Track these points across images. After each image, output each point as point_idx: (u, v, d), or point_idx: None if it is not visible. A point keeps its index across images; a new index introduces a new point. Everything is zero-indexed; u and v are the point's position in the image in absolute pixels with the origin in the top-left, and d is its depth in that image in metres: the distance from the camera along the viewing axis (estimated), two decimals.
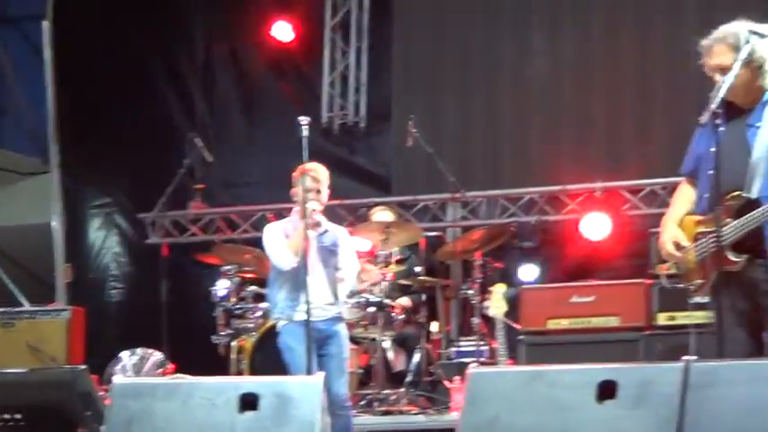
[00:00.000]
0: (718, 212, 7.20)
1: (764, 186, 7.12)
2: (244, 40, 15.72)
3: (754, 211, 7.07)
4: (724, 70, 7.26)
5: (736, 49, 7.32)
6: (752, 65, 7.25)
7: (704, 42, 7.55)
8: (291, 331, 9.68)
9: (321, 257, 9.92)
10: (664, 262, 8.29)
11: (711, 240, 7.26)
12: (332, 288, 9.97)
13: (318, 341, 9.63)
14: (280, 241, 9.98)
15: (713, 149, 7.24)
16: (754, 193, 7.10)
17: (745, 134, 7.33)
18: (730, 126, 7.31)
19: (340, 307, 10.04)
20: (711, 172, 7.27)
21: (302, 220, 9.57)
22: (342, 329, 10.05)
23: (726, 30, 7.51)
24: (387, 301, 11.69)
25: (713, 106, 7.15)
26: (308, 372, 9.24)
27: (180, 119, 15.61)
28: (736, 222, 7.12)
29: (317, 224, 9.86)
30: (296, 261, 9.69)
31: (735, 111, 7.29)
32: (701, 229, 7.47)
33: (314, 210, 9.64)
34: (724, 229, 7.15)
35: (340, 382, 9.64)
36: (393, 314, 11.73)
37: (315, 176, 9.86)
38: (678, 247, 7.50)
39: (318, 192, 9.76)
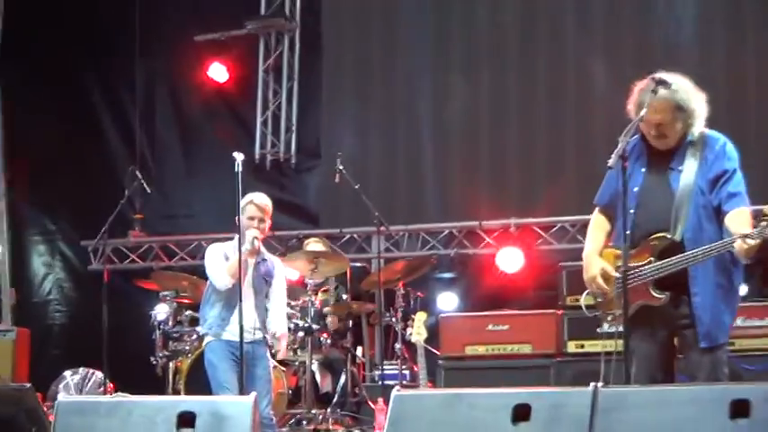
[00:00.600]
0: (640, 249, 7.42)
1: (687, 229, 7.35)
2: (182, 80, 16.00)
3: (678, 255, 7.28)
4: (660, 125, 7.43)
5: (674, 101, 7.46)
6: (679, 112, 7.44)
7: (641, 98, 7.60)
8: (216, 348, 9.97)
9: (255, 284, 10.19)
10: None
11: (635, 275, 7.37)
12: (260, 314, 10.17)
13: (251, 359, 9.96)
14: (219, 262, 10.14)
15: (636, 189, 7.48)
16: (677, 236, 7.33)
17: (668, 178, 7.53)
18: (653, 169, 7.57)
19: (265, 333, 10.16)
20: (632, 211, 7.45)
21: (243, 245, 9.83)
22: (266, 353, 10.30)
23: (681, 84, 7.64)
24: (315, 326, 11.79)
25: (635, 148, 7.52)
26: (241, 391, 9.47)
27: (122, 153, 15.86)
28: (659, 263, 7.34)
29: (257, 251, 10.17)
30: (231, 283, 9.91)
31: (656, 154, 7.51)
32: (621, 263, 7.62)
33: (255, 237, 9.94)
34: (648, 267, 7.37)
35: (266, 401, 9.86)
36: (321, 338, 11.98)
37: (260, 206, 10.17)
38: (607, 279, 7.63)
39: (262, 221, 10.08)
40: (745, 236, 6.86)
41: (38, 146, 15.70)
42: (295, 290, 12.34)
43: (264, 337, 10.24)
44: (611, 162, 7.31)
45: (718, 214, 7.25)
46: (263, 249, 10.50)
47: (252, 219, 10.05)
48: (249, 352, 9.91)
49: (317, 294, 12.26)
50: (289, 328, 11.54)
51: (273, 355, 11.02)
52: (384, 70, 15.59)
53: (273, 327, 10.44)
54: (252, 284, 10.18)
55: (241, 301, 9.70)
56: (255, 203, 10.24)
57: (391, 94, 15.48)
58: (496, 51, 15.08)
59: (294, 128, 15.97)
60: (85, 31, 16.28)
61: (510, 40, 15.03)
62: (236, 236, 10.05)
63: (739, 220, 7.07)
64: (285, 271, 10.96)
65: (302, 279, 12.36)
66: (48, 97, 16.11)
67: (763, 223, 6.92)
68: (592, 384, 5.96)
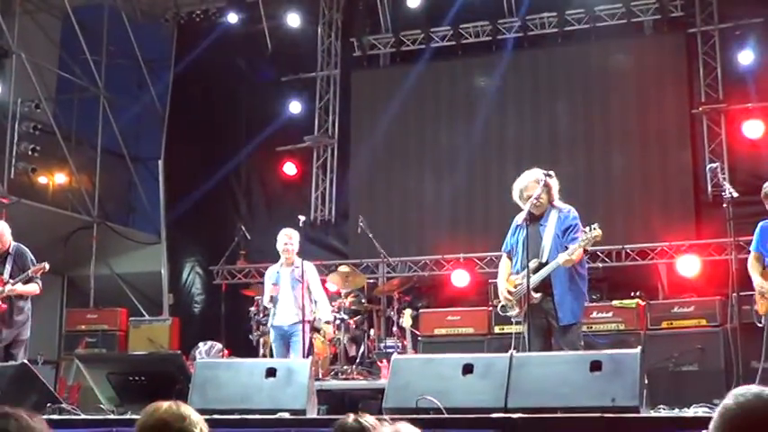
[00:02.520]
0: (527, 272, 7.98)
1: (549, 257, 8.00)
2: (269, 171, 16.60)
3: (543, 269, 7.98)
4: (532, 199, 8.13)
5: (537, 185, 8.19)
6: (543, 191, 8.16)
7: (519, 185, 8.42)
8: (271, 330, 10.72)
9: (291, 284, 10.66)
10: (497, 298, 8.91)
11: (521, 287, 8.08)
12: (296, 303, 10.54)
13: (285, 337, 10.65)
14: (266, 287, 10.99)
15: (522, 238, 8.16)
16: (544, 260, 8.01)
17: (539, 230, 8.17)
18: (532, 225, 8.13)
19: (301, 317, 10.50)
20: (520, 251, 8.16)
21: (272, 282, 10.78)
22: (299, 330, 10.49)
23: (529, 176, 8.39)
24: (346, 317, 12.40)
25: (524, 215, 8.12)
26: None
27: (232, 214, 16.50)
28: (535, 276, 7.94)
29: (291, 263, 10.74)
30: (269, 304, 10.76)
31: (533, 217, 8.11)
32: (516, 282, 8.24)
33: (284, 254, 10.68)
34: (531, 278, 7.92)
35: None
36: (349, 325, 12.52)
37: (287, 234, 10.93)
38: (509, 293, 8.30)
39: (290, 243, 10.78)
40: (565, 260, 7.84)
41: (185, 210, 16.32)
42: (333, 297, 12.64)
43: (300, 321, 10.48)
44: (519, 221, 8.31)
45: (565, 249, 7.91)
46: (296, 260, 10.86)
47: (284, 243, 10.81)
48: (286, 330, 10.67)
49: (347, 298, 12.79)
50: (332, 320, 12.00)
51: (321, 333, 11.56)
52: (387, 170, 16.16)
53: (320, 314, 11.03)
54: (289, 285, 10.71)
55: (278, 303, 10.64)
56: (284, 233, 10.98)
57: (392, 184, 16.05)
58: (465, 161, 15.48)
59: (334, 201, 16.48)
60: (222, 133, 16.90)
61: (472, 153, 15.47)
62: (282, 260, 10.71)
63: (569, 251, 7.82)
64: (313, 269, 11.21)
65: (339, 290, 12.83)
66: (196, 169, 16.68)
67: (582, 238, 7.89)
68: (509, 352, 6.58)
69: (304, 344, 10.58)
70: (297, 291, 10.48)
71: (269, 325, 10.90)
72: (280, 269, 10.81)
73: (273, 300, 10.73)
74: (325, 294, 11.02)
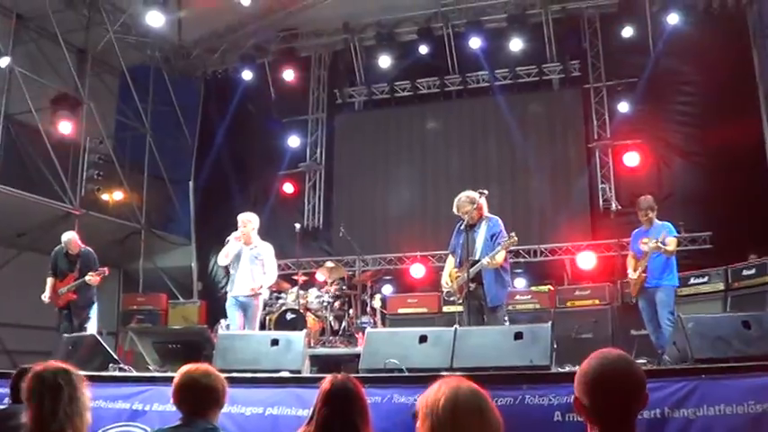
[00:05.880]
0: (463, 266, 7.93)
1: (480, 255, 7.85)
2: (273, 190, 16.24)
3: (476, 265, 7.84)
4: (468, 212, 8.05)
5: (471, 203, 8.10)
6: (475, 206, 8.06)
7: (456, 203, 8.27)
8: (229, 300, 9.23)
9: (249, 260, 9.38)
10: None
11: (461, 278, 7.95)
12: (251, 277, 9.28)
13: (242, 307, 9.27)
14: (227, 250, 9.41)
15: (461, 241, 8.08)
16: (477, 258, 7.88)
17: (474, 235, 8.06)
18: (470, 232, 8.04)
19: (256, 289, 9.16)
20: (460, 251, 8.09)
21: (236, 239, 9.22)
22: (253, 302, 9.25)
23: (466, 195, 8.27)
24: (331, 300, 12.13)
25: (463, 225, 8.05)
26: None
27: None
28: (471, 269, 7.80)
29: (247, 242, 9.30)
30: (222, 262, 9.44)
31: (469, 225, 7.98)
32: (457, 274, 8.12)
33: (236, 236, 9.27)
34: (466, 273, 7.83)
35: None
36: (334, 306, 12.19)
37: (240, 218, 9.47)
38: (452, 281, 8.17)
39: (244, 226, 9.35)
40: (488, 261, 7.61)
41: (210, 212, 16.02)
42: (321, 285, 12.52)
43: (255, 294, 9.23)
44: (459, 228, 8.19)
45: (493, 249, 7.75)
46: (255, 239, 9.47)
47: (239, 228, 9.38)
48: (244, 301, 9.29)
49: (332, 286, 12.43)
50: (321, 301, 11.81)
51: (312, 312, 11.17)
52: (361, 189, 15.94)
53: (264, 282, 9.45)
54: (248, 261, 9.37)
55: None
56: (239, 218, 9.50)
57: (365, 199, 15.87)
58: (420, 183, 15.51)
59: (321, 212, 16.35)
60: (238, 161, 16.57)
61: (425, 176, 15.48)
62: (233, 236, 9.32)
63: (490, 255, 7.72)
64: (270, 249, 9.59)
65: (326, 280, 12.56)
66: (217, 187, 16.42)
67: (503, 244, 7.78)
68: (454, 327, 6.43)
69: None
70: (254, 266, 9.35)
71: (228, 294, 9.50)
72: (242, 246, 9.39)
73: (230, 273, 9.54)
74: (275, 269, 9.58)
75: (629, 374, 2.63)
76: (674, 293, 8.75)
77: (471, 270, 7.96)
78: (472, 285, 7.96)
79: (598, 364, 2.66)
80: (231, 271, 9.36)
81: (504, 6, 14.86)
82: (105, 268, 10.39)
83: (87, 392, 3.57)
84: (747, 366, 4.77)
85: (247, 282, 9.27)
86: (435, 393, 2.58)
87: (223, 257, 9.32)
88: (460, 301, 8.29)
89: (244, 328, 9.19)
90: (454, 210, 8.33)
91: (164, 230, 16.62)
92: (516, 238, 7.93)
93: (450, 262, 8.55)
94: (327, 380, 3.94)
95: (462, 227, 8.24)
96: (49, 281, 10.37)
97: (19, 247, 13.74)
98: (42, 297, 10.24)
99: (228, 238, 9.39)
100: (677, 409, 4.64)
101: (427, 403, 2.58)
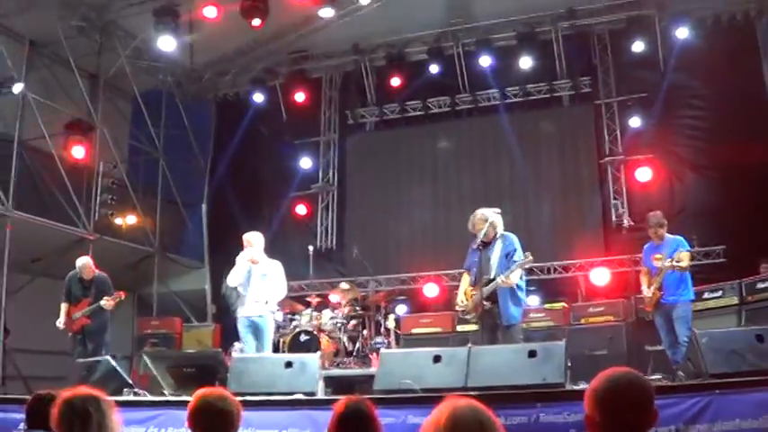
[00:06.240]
0: (478, 285, 7.93)
1: (496, 274, 7.84)
2: (285, 211, 16.27)
3: (491, 284, 7.86)
4: (482, 230, 8.07)
5: (486, 221, 8.13)
6: (490, 225, 8.07)
7: (471, 221, 8.31)
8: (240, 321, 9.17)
9: (261, 278, 9.33)
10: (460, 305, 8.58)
11: (476, 296, 7.95)
12: (262, 296, 9.22)
13: (253, 326, 9.23)
14: (237, 271, 9.41)
15: (476, 260, 8.09)
16: (492, 276, 7.89)
17: (489, 253, 8.07)
18: (484, 250, 8.09)
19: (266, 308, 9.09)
20: (475, 269, 8.10)
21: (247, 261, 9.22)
22: (265, 321, 9.19)
23: (480, 213, 8.31)
24: (345, 321, 12.13)
25: (478, 242, 8.07)
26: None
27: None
28: (485, 289, 7.86)
29: (254, 262, 9.28)
30: (232, 283, 9.39)
31: (484, 244, 8.01)
32: (472, 293, 8.10)
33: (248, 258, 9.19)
34: (482, 290, 7.86)
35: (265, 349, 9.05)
36: (348, 327, 12.21)
37: (245, 238, 9.42)
38: (468, 299, 8.16)
39: (249, 245, 9.29)
40: (503, 281, 7.63)
41: (223, 235, 15.89)
42: (335, 306, 12.46)
43: (265, 313, 9.17)
44: (474, 246, 8.22)
45: (508, 268, 7.77)
46: (262, 258, 9.42)
47: (247, 247, 9.30)
48: (255, 322, 9.24)
49: (346, 307, 12.43)
50: (335, 322, 11.77)
51: (326, 333, 11.11)
52: (374, 210, 15.96)
53: (273, 298, 9.36)
54: (260, 279, 9.32)
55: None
56: (244, 238, 9.44)
57: (377, 220, 15.85)
58: (432, 201, 15.46)
59: (334, 234, 16.30)
60: (250, 183, 16.59)
61: (437, 195, 15.44)
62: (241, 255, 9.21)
63: (505, 275, 7.73)
64: (279, 267, 9.55)
65: (340, 301, 12.53)
66: (230, 210, 16.31)
67: (518, 263, 7.78)
68: (468, 346, 6.51)
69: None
70: (265, 284, 9.30)
71: (238, 314, 9.48)
72: (251, 266, 9.34)
73: (240, 293, 9.48)
74: (284, 284, 9.51)
75: (637, 391, 2.68)
76: (691, 308, 8.75)
77: (486, 289, 7.99)
78: (487, 304, 7.99)
79: (607, 380, 2.72)
80: (242, 291, 9.34)
81: (514, 24, 14.93)
82: (121, 292, 10.46)
83: (116, 418, 3.61)
84: (762, 380, 4.77)
85: (259, 300, 9.25)
86: (437, 413, 2.62)
87: (232, 278, 9.31)
88: (475, 320, 8.29)
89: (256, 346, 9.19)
90: (469, 227, 8.35)
91: (177, 254, 16.64)
92: (532, 257, 7.95)
93: (466, 280, 8.54)
94: (341, 403, 3.92)
95: (476, 246, 8.25)
96: (63, 306, 10.46)
97: (33, 272, 13.79)
98: (57, 323, 10.31)
99: (237, 258, 9.41)
100: (692, 425, 4.66)
101: (429, 424, 2.61)
